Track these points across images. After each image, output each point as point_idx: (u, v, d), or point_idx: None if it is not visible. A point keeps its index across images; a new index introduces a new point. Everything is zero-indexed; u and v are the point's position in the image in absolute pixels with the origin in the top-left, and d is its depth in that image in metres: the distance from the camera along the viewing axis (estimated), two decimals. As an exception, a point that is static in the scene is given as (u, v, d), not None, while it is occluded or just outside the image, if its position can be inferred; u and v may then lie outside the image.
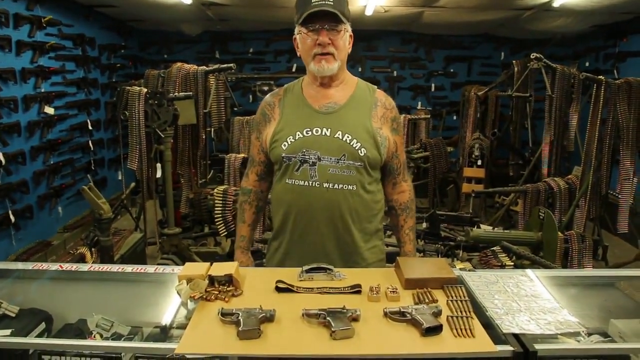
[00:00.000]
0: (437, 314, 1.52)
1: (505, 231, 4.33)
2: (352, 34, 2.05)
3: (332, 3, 1.91)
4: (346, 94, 2.08)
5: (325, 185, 1.98)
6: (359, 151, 1.98)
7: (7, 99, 4.86)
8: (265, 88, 7.85)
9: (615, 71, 6.93)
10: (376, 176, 2.11)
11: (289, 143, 2.00)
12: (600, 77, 4.63)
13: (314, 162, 1.98)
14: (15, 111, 5.02)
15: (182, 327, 1.55)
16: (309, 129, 2.00)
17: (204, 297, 1.64)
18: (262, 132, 2.14)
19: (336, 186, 1.98)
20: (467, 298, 1.63)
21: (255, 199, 2.28)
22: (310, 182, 1.98)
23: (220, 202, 4.20)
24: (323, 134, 1.99)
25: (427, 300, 1.62)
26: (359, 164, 1.99)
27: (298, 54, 2.09)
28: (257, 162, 2.22)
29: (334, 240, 2.04)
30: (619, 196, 4.72)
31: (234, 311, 1.51)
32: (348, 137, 1.98)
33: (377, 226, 2.16)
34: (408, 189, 2.24)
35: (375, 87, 2.18)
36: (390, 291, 1.66)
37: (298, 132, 2.00)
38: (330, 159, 1.98)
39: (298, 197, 2.01)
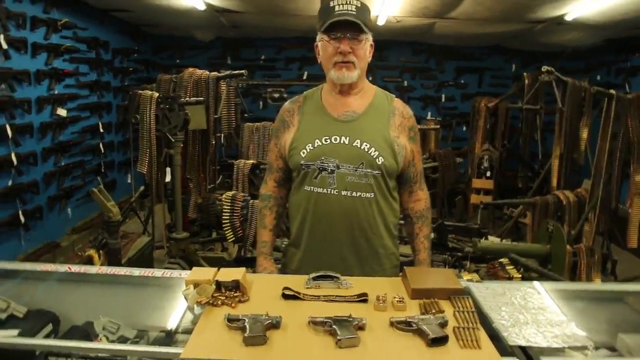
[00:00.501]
0: (444, 324, 1.51)
1: (514, 243, 4.31)
2: (372, 44, 2.07)
3: (355, 13, 1.93)
4: (365, 102, 2.10)
5: (344, 193, 2.00)
6: (377, 160, 2.00)
7: (22, 100, 4.90)
8: (276, 95, 7.86)
9: (626, 85, 6.90)
10: (393, 185, 2.12)
11: (308, 150, 2.02)
12: (611, 91, 4.62)
13: (333, 169, 2.00)
14: (29, 112, 5.05)
15: (188, 331, 1.55)
16: (327, 137, 2.02)
17: (211, 302, 1.64)
18: (281, 139, 2.16)
19: (354, 194, 2.00)
20: (473, 309, 1.63)
21: (275, 205, 2.28)
22: (329, 190, 2.00)
23: (229, 207, 4.20)
24: (342, 142, 2.01)
25: (433, 311, 1.62)
26: (377, 172, 2.01)
27: (319, 61, 2.10)
28: (275, 169, 2.24)
29: (351, 247, 2.06)
30: (629, 211, 4.69)
31: (240, 317, 1.51)
32: (366, 145, 2.00)
33: (393, 233, 2.18)
34: (424, 197, 2.25)
35: (394, 95, 2.19)
36: (397, 301, 1.65)
37: (317, 140, 2.03)
38: (349, 167, 2.00)
39: (316, 204, 2.04)
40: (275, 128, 2.23)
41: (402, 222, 2.30)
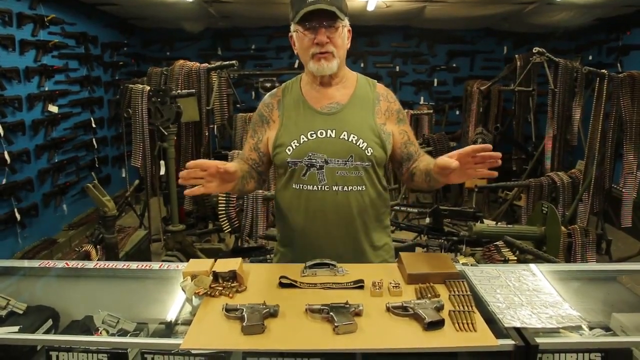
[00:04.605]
0: (439, 308, 1.52)
1: (509, 226, 4.33)
2: (350, 28, 1.98)
3: None
4: (347, 92, 2.03)
5: (335, 188, 1.93)
6: (366, 151, 1.93)
7: (12, 97, 4.89)
8: (268, 85, 7.85)
9: (618, 64, 6.91)
10: (382, 174, 2.06)
11: (294, 147, 1.94)
12: (603, 70, 4.63)
13: (322, 165, 1.92)
14: (20, 110, 5.04)
15: (187, 323, 1.56)
16: (313, 132, 1.94)
17: (209, 293, 1.65)
18: (258, 132, 2.08)
19: (346, 188, 1.93)
20: (469, 292, 1.64)
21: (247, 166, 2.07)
22: (320, 186, 1.93)
23: (224, 199, 4.21)
24: (328, 136, 1.94)
25: (429, 295, 1.63)
26: (367, 164, 1.95)
27: (295, 52, 2.02)
28: (246, 159, 2.10)
29: (346, 243, 2.00)
30: (623, 190, 4.72)
31: (238, 307, 1.52)
32: (354, 137, 1.93)
33: (386, 223, 2.14)
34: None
35: (375, 81, 2.13)
36: (393, 286, 1.66)
37: (302, 136, 1.95)
38: (338, 161, 1.92)
39: (307, 202, 1.96)
40: (253, 122, 2.14)
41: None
